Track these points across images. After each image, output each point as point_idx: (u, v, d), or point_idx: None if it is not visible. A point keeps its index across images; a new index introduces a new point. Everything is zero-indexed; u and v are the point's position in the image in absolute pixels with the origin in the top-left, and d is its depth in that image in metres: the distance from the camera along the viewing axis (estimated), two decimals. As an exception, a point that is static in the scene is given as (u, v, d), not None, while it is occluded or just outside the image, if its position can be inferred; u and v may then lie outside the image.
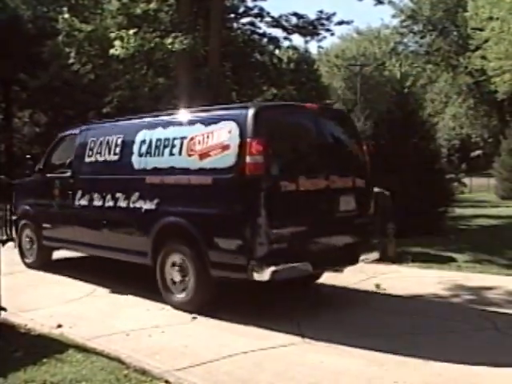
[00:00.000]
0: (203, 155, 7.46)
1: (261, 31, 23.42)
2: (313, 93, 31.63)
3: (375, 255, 8.39)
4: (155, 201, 8.06)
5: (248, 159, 6.97)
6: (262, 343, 6.40)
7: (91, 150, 9.42)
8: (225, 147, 7.23)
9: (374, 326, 7.06)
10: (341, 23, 22.87)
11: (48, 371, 5.48)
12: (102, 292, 9.04)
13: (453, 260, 11.67)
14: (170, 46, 17.19)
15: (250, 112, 7.21)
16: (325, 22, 22.39)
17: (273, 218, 6.97)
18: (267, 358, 6.00)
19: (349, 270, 8.40)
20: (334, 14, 22.30)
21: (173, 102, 26.95)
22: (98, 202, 9.03)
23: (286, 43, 24.48)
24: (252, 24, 23.22)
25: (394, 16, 48.24)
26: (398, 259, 11.43)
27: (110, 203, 8.77)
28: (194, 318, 7.45)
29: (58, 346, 6.21)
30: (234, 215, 7.08)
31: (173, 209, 7.78)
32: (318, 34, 22.81)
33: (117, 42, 17.35)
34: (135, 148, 8.50)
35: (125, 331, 6.83)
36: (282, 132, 7.54)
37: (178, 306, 7.78)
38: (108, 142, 9.09)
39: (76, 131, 10.25)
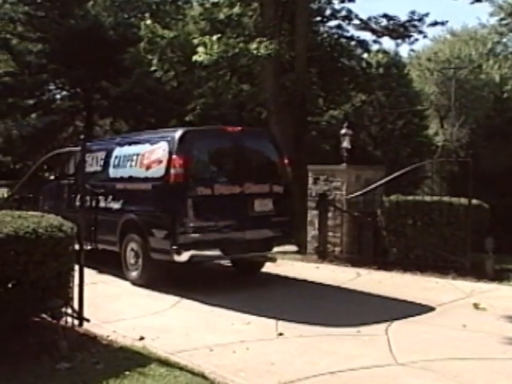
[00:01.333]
0: (148, 167, 10.36)
1: (349, 34, 23.37)
2: (402, 99, 31.20)
3: (291, 248, 11.03)
4: (121, 202, 11.02)
5: (172, 171, 9.84)
6: (351, 362, 6.35)
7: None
8: (160, 161, 10.10)
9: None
10: (434, 24, 22.58)
11: (131, 384, 5.61)
12: (187, 303, 9.20)
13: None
14: (254, 52, 17.28)
15: (177, 135, 10.09)
16: (417, 23, 22.15)
17: (190, 214, 9.76)
18: (357, 379, 5.94)
19: (443, 287, 8.22)
20: (426, 14, 22.04)
21: (257, 110, 27.29)
22: (90, 203, 11.41)
23: (375, 47, 24.33)
24: (339, 27, 23.17)
25: (491, 14, 46.75)
26: (498, 276, 11.13)
27: (98, 204, 11.49)
28: (281, 334, 7.47)
29: (140, 359, 6.34)
30: (163, 212, 9.98)
31: (131, 208, 10.69)
32: (409, 37, 22.59)
33: (200, 48, 17.63)
34: (111, 161, 11.50)
35: (208, 346, 6.91)
36: (202, 150, 10.33)
37: (133, 282, 10.56)
38: (97, 157, 12.01)
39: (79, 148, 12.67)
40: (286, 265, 12.75)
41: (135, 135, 12.07)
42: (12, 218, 6.43)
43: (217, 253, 9.94)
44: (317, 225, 13.64)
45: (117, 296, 9.82)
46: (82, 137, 8.11)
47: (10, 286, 6.04)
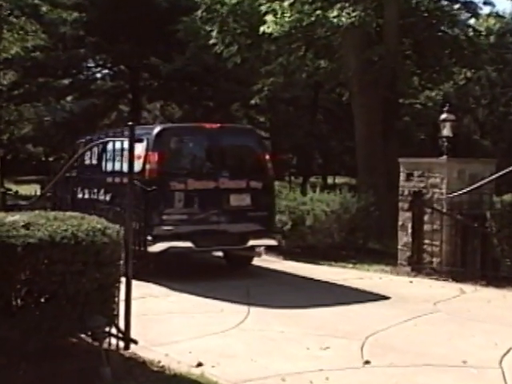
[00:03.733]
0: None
1: (451, -5, 22.98)
2: (519, 75, 30.51)
3: (270, 242, 13.41)
4: (110, 194, 12.44)
5: (147, 166, 12.16)
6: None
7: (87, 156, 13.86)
8: (139, 157, 11.74)
9: None
10: None
11: (187, 419, 5.67)
12: (252, 323, 9.25)
13: None
14: (334, 21, 17.14)
15: (154, 132, 12.57)
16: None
17: (164, 208, 12.15)
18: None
19: None
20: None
21: (337, 91, 27.24)
22: (88, 196, 13.23)
23: (485, 9, 23.82)
24: (439, -13, 22.83)
25: None
26: None
27: (94, 196, 12.98)
28: (367, 362, 7.43)
29: (198, 389, 6.40)
30: (140, 206, 11.38)
31: (117, 200, 11.69)
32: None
33: (268, 17, 17.64)
34: (104, 155, 12.50)
35: (280, 374, 6.92)
36: (178, 147, 12.99)
37: None
38: (94, 151, 13.26)
39: (83, 140, 15.29)
40: (372, 278, 12.69)
41: (126, 130, 12.93)
42: (47, 220, 6.56)
43: (188, 245, 12.17)
44: (410, 230, 13.53)
45: (170, 312, 9.94)
46: (129, 123, 8.20)
47: (42, 300, 6.19)
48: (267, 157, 13.57)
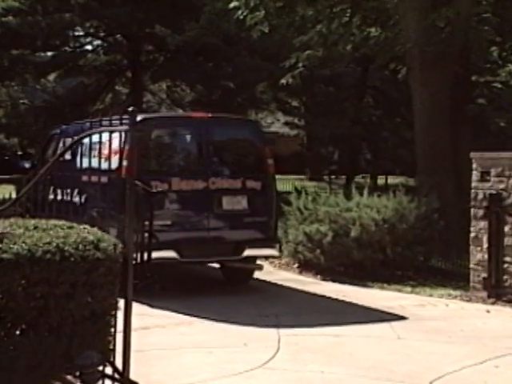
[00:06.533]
0: (106, 158, 11.55)
1: None
2: None
3: (270, 252, 14.23)
4: (85, 196, 13.03)
5: (124, 163, 12.34)
6: None
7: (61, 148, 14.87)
8: (116, 152, 11.94)
9: None
10: None
11: None
12: (284, 361, 9.24)
13: None
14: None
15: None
16: None
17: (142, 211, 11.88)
18: None
19: None
20: None
21: (391, 67, 27.07)
22: (60, 197, 12.56)
23: None
24: None
25: None
26: None
27: (67, 198, 12.47)
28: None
29: None
30: (115, 208, 12.13)
31: (93, 203, 13.05)
32: None
33: (304, -28, 17.65)
34: (79, 149, 12.82)
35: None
36: (160, 140, 13.87)
37: None
38: (66, 143, 14.35)
39: (57, 131, 16.49)
40: (436, 305, 12.63)
41: (104, 120, 13.57)
42: (25, 230, 6.57)
43: (171, 254, 12.77)
44: (485, 244, 13.47)
45: (179, 347, 9.98)
46: (130, 108, 8.03)
47: (17, 332, 6.18)
48: (268, 152, 14.17)
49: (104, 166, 11.65)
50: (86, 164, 12.27)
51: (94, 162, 11.71)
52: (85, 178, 12.31)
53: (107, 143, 11.63)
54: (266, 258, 15.09)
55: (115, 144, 11.51)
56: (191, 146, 14.15)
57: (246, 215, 13.71)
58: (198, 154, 13.90)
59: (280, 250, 14.81)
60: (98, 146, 11.91)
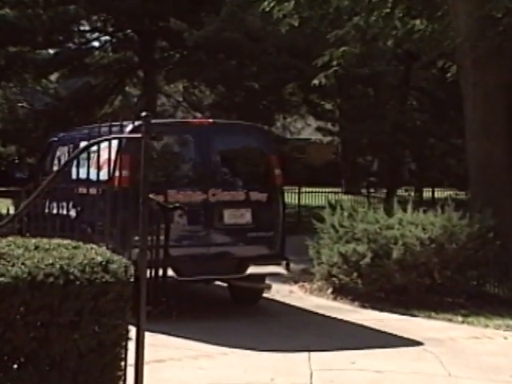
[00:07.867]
0: (100, 168, 11.74)
1: None
2: None
3: (277, 269, 14.51)
4: (78, 209, 12.89)
5: (117, 173, 12.71)
6: None
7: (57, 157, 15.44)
8: (109, 161, 11.82)
9: None
10: None
11: None
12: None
13: None
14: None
15: (127, 130, 13.12)
16: None
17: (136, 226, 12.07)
18: None
19: None
20: None
21: (438, 65, 26.96)
22: (55, 211, 13.07)
23: None
24: None
25: None
26: None
27: (61, 211, 12.96)
28: None
29: None
30: (108, 222, 11.48)
31: (86, 217, 12.75)
32: None
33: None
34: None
35: None
36: (157, 149, 13.61)
37: None
38: (64, 153, 14.67)
39: (55, 138, 17.07)
40: (493, 338, 12.57)
41: (100, 127, 13.85)
42: (25, 251, 6.55)
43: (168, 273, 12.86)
44: (549, 267, 13.41)
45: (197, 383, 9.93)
46: (142, 113, 7.98)
47: (15, 366, 6.14)
48: (275, 161, 14.68)
49: (97, 176, 11.97)
50: (82, 175, 12.60)
51: (93, 173, 12.10)
52: (80, 189, 12.55)
53: (101, 153, 11.98)
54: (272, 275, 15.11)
55: (105, 153, 11.65)
56: (190, 154, 14.59)
57: (249, 230, 14.15)
58: (197, 164, 14.33)
59: (287, 268, 14.54)
60: (91, 156, 12.43)
